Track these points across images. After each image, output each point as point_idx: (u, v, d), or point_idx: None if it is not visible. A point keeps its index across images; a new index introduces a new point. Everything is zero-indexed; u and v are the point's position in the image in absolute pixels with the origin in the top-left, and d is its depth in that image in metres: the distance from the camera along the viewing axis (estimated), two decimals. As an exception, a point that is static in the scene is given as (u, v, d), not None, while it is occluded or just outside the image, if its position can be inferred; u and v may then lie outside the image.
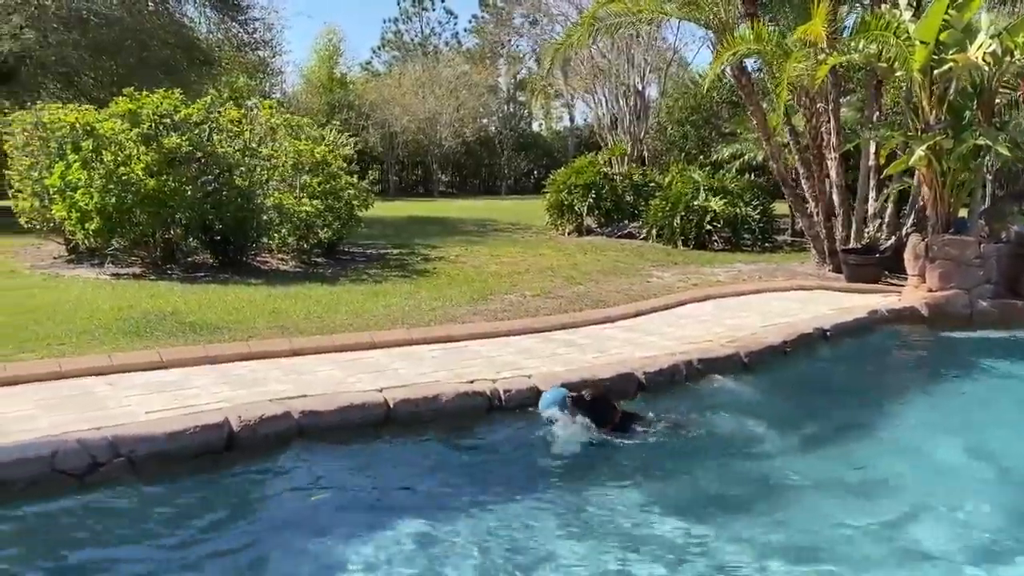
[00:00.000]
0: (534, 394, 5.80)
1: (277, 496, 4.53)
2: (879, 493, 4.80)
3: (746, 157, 17.66)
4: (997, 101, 9.78)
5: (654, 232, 16.30)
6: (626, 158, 19.34)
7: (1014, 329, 8.95)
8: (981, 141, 9.07)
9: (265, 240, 11.99)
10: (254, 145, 12.24)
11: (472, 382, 5.93)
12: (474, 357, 6.78)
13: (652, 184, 17.85)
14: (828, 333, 8.17)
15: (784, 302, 9.70)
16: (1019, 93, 10.19)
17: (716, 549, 4.02)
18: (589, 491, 4.72)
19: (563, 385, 5.73)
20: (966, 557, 4.02)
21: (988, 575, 3.85)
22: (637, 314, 8.79)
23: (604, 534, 4.19)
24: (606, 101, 21.12)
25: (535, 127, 36.87)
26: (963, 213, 10.42)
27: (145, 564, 3.89)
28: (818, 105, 11.84)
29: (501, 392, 5.78)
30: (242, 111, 12.72)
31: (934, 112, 9.40)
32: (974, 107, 9.56)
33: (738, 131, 18.27)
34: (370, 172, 14.43)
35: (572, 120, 34.54)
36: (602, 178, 17.91)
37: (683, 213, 15.79)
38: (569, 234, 17.67)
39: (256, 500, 4.54)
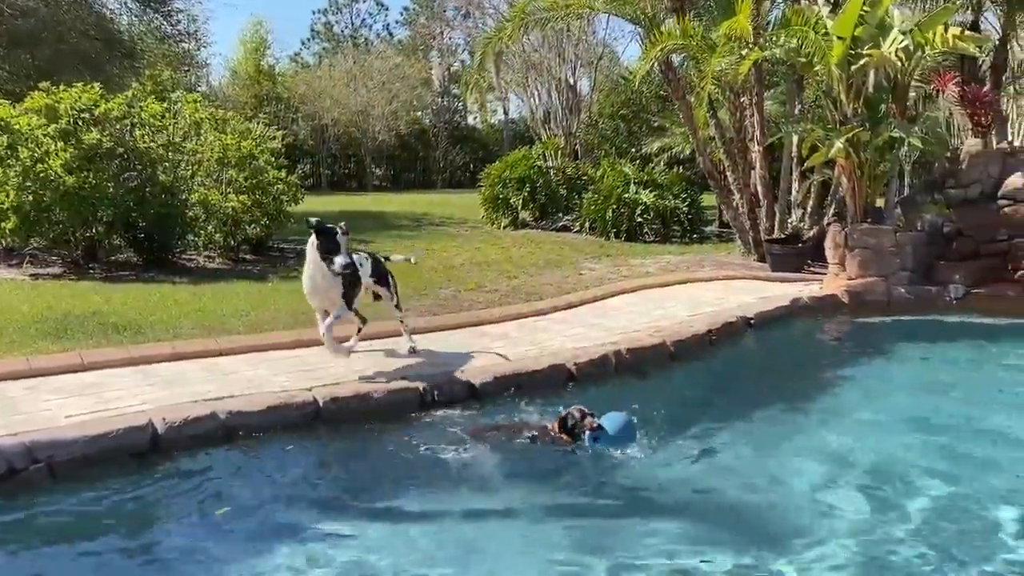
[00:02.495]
0: (466, 389, 5.83)
1: (195, 499, 4.43)
2: (797, 468, 4.97)
3: (674, 151, 17.99)
4: (911, 95, 10.15)
5: (588, 225, 16.48)
6: (559, 152, 19.45)
7: (928, 314, 9.34)
8: (896, 134, 9.43)
9: (191, 237, 11.71)
10: (178, 140, 11.94)
11: (404, 378, 5.93)
12: (407, 353, 6.77)
13: (585, 178, 18.01)
14: (752, 321, 8.40)
15: (710, 292, 9.93)
16: (932, 87, 10.60)
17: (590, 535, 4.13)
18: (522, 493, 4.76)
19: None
20: (877, 522, 4.22)
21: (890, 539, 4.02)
22: (569, 306, 8.89)
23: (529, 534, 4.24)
24: (538, 95, 21.24)
25: (470, 121, 36.77)
26: (881, 203, 10.83)
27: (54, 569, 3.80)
28: (742, 99, 12.13)
29: (433, 388, 5.78)
30: (165, 105, 12.39)
31: (852, 106, 9.73)
32: (889, 101, 9.92)
33: (667, 125, 18.57)
34: (300, 166, 14.23)
35: (506, 114, 34.62)
36: (536, 172, 17.99)
37: (615, 206, 16.00)
38: (505, 228, 17.70)
39: (174, 504, 4.42)
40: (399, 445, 5.26)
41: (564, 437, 5.12)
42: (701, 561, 3.83)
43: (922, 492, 4.62)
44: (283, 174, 13.11)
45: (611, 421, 5.17)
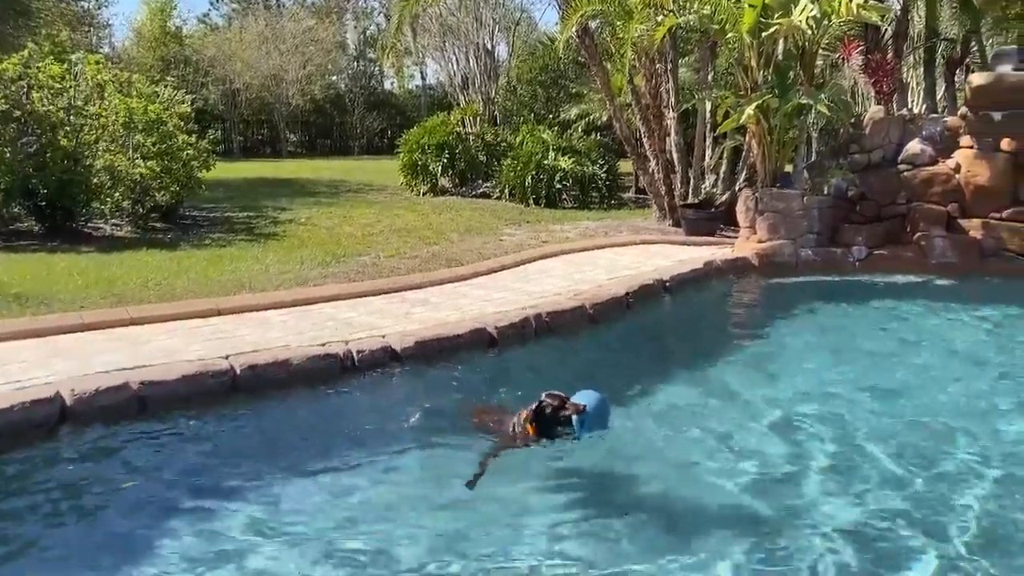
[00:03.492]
0: (388, 354, 5.83)
1: (104, 472, 4.33)
2: (709, 421, 5.17)
3: (592, 117, 18.10)
4: (819, 63, 10.46)
5: (507, 192, 16.51)
6: (478, 118, 19.35)
7: (833, 274, 9.76)
8: (804, 100, 9.72)
9: (97, 205, 11.25)
10: (80, 103, 11.39)
11: (324, 344, 5.88)
12: (326, 320, 6.71)
13: (504, 144, 17.98)
14: (668, 284, 8.62)
15: (627, 257, 10.12)
16: (838, 55, 10.96)
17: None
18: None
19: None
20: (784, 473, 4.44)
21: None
22: (490, 272, 8.93)
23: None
24: (456, 60, 21.03)
25: (387, 86, 36.10)
26: (791, 169, 11.19)
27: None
28: (657, 66, 12.29)
29: (354, 353, 5.76)
30: (65, 67, 11.78)
31: (762, 72, 9.99)
32: (798, 68, 10.21)
33: (584, 91, 18.66)
34: (211, 132, 13.76)
35: (424, 79, 34.18)
36: (455, 138, 17.88)
37: (534, 172, 16.04)
38: (424, 195, 17.56)
39: (82, 477, 4.29)
40: (318, 411, 5.24)
41: (529, 429, 4.48)
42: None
43: (824, 439, 4.90)
44: (193, 139, 12.69)
45: (589, 399, 4.52)
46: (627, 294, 7.89)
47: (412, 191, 17.96)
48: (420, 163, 17.68)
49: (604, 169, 16.34)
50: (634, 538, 3.80)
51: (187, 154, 12.27)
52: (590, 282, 8.39)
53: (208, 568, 3.50)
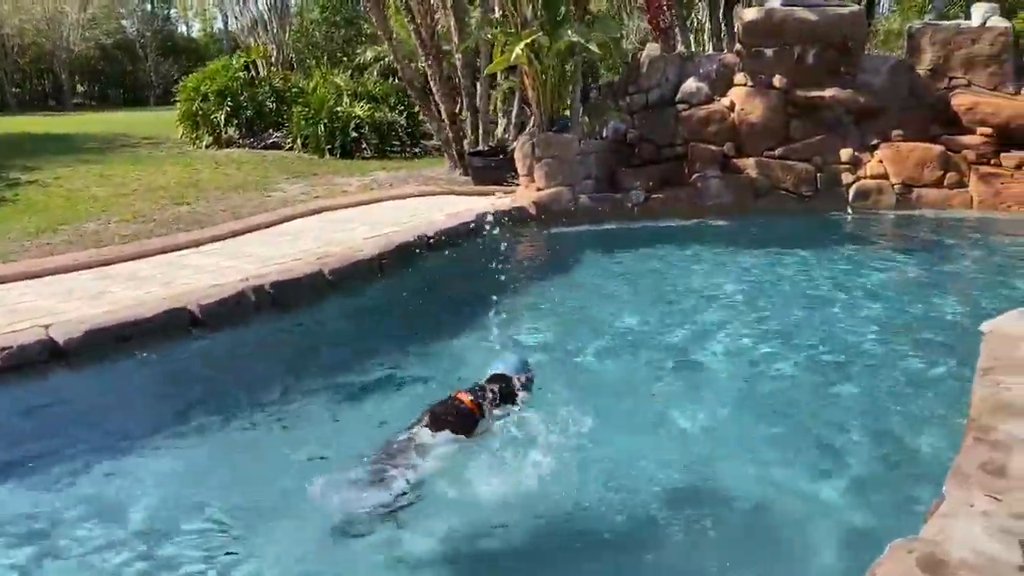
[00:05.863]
0: (45, 349, 4.83)
1: None
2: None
3: (389, 59, 17.04)
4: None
5: (300, 142, 15.36)
6: (270, 62, 17.84)
7: (611, 221, 9.43)
8: (574, 38, 9.19)
9: None
10: None
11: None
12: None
13: (296, 90, 16.67)
14: (432, 240, 7.95)
15: (400, 211, 9.37)
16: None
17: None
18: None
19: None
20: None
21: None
22: (233, 235, 7.96)
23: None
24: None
25: (185, 30, 33.18)
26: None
27: None
28: (433, 2, 11.43)
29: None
30: None
31: (531, 7, 9.36)
32: (569, 3, 9.67)
33: (379, 32, 17.54)
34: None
35: (226, 23, 31.56)
36: (241, 84, 16.40)
37: (326, 121, 14.97)
38: (208, 147, 16.06)
39: None
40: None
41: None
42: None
43: (598, 395, 4.54)
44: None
45: (510, 364, 4.11)
46: (380, 255, 7.16)
47: (195, 144, 16.40)
48: (201, 112, 16.13)
49: (404, 116, 15.44)
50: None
51: None
52: (344, 243, 7.59)
53: None
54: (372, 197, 10.14)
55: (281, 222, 8.56)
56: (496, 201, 9.81)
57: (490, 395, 3.83)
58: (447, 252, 8.00)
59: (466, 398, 3.79)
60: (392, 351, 5.38)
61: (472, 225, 8.70)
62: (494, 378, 3.97)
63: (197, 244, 7.52)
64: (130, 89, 31.09)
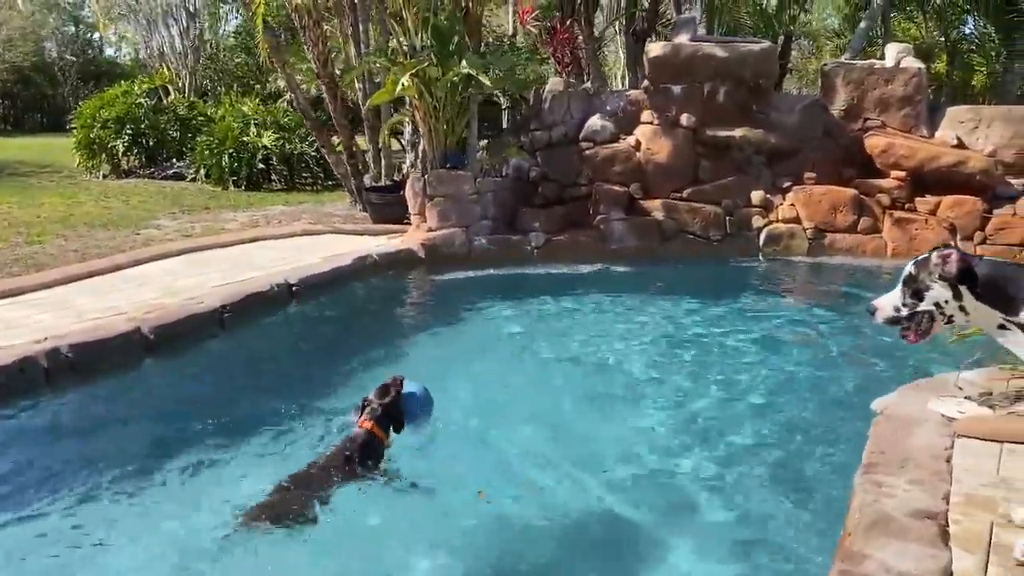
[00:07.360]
0: None
1: None
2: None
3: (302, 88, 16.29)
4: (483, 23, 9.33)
5: (203, 172, 14.52)
6: (178, 89, 16.98)
7: (508, 266, 8.72)
8: (466, 70, 8.52)
9: None
10: None
11: None
12: None
13: (202, 118, 15.83)
14: (295, 288, 7.15)
15: (276, 252, 8.54)
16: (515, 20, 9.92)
17: None
18: None
19: None
20: None
21: None
22: (68, 281, 7.04)
23: None
24: (148, 24, 18.19)
25: (111, 53, 31.90)
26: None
27: None
28: (325, 28, 10.72)
29: None
30: None
31: (420, 35, 8.69)
32: (463, 34, 9.01)
33: (291, 60, 16.78)
34: None
35: (136, 49, 30.36)
36: (143, 111, 15.51)
37: (232, 150, 14.18)
38: (106, 177, 15.13)
39: None
40: None
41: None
42: None
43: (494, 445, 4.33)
44: None
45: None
46: (222, 308, 6.32)
47: (91, 173, 15.40)
48: (98, 140, 15.17)
49: (315, 147, 14.66)
50: None
51: None
52: (189, 292, 6.73)
53: None
54: (251, 236, 9.31)
55: (132, 265, 7.66)
56: (385, 242, 9.05)
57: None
58: (312, 302, 7.21)
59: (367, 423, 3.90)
60: (192, 435, 4.46)
61: (350, 270, 7.95)
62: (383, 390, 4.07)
63: (19, 292, 6.60)
64: (49, 114, 29.73)
